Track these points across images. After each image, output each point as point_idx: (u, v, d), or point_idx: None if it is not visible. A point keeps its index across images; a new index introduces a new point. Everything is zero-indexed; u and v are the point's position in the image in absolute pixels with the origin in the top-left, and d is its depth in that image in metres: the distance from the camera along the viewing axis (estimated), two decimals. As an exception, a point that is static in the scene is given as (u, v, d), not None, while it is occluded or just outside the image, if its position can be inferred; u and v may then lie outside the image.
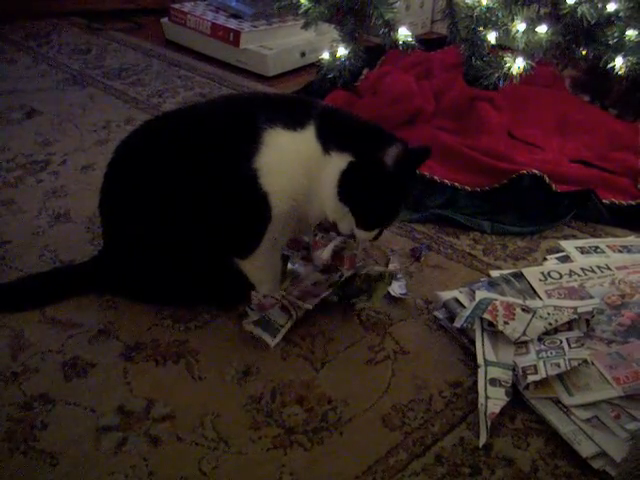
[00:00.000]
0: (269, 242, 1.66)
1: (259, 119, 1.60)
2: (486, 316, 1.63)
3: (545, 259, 1.98)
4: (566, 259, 1.95)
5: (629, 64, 2.44)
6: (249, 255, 1.69)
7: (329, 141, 1.60)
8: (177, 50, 3.60)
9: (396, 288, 1.83)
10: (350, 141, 1.60)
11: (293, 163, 1.60)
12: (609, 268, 1.86)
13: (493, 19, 2.53)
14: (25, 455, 1.41)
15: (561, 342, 1.58)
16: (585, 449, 1.39)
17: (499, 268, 1.94)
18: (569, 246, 2.01)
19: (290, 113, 1.64)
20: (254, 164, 1.58)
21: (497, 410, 1.46)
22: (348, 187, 1.59)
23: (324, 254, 1.87)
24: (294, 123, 1.61)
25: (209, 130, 1.65)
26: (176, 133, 1.69)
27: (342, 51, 2.69)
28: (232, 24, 3.35)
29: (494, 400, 1.48)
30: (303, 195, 1.63)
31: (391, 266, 1.91)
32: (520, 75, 2.50)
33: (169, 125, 1.75)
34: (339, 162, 1.59)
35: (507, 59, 2.51)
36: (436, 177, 2.30)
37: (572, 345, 1.57)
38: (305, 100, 1.84)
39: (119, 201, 1.75)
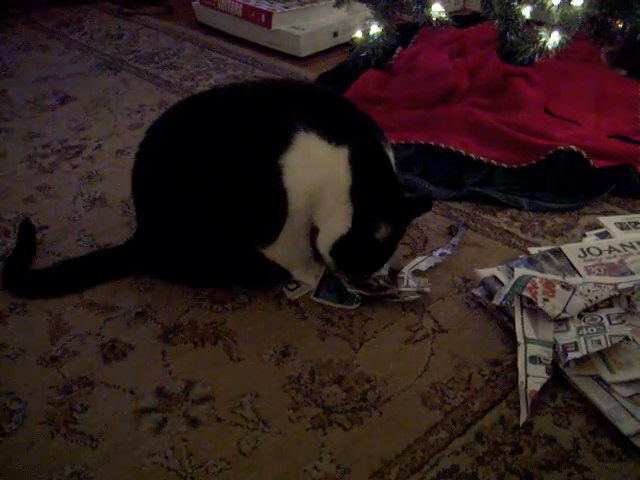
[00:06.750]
0: (288, 234, 1.67)
1: (295, 117, 1.59)
2: (525, 293, 1.61)
3: (584, 235, 1.95)
4: (605, 235, 1.92)
5: (667, 37, 2.40)
6: (269, 245, 1.70)
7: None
8: (209, 33, 3.59)
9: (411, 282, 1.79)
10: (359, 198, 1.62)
11: (316, 169, 1.59)
12: (649, 244, 1.83)
13: (528, -7, 2.49)
14: (65, 437, 1.43)
15: (602, 319, 1.56)
16: (627, 427, 1.37)
17: (537, 245, 1.91)
18: (608, 222, 1.97)
19: (330, 122, 1.62)
20: (280, 160, 1.58)
21: (537, 388, 1.45)
22: (343, 253, 1.68)
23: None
24: (330, 135, 1.59)
25: (244, 119, 1.64)
26: (211, 117, 1.68)
27: (375, 29, 2.66)
28: (264, 5, 3.33)
29: (534, 378, 1.47)
30: (317, 195, 1.63)
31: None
32: (556, 50, 2.46)
33: (205, 108, 1.74)
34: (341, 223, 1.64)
35: (542, 34, 2.47)
36: (472, 154, 2.27)
37: (613, 322, 1.55)
38: (348, 111, 1.73)
39: (151, 185, 1.75)
